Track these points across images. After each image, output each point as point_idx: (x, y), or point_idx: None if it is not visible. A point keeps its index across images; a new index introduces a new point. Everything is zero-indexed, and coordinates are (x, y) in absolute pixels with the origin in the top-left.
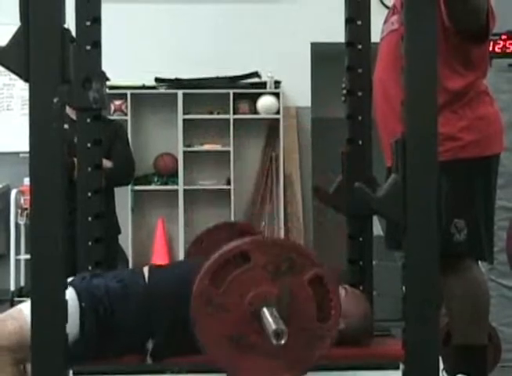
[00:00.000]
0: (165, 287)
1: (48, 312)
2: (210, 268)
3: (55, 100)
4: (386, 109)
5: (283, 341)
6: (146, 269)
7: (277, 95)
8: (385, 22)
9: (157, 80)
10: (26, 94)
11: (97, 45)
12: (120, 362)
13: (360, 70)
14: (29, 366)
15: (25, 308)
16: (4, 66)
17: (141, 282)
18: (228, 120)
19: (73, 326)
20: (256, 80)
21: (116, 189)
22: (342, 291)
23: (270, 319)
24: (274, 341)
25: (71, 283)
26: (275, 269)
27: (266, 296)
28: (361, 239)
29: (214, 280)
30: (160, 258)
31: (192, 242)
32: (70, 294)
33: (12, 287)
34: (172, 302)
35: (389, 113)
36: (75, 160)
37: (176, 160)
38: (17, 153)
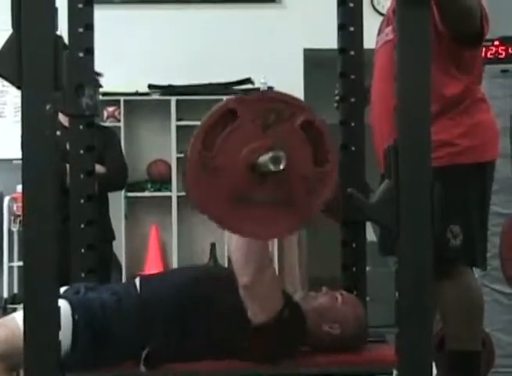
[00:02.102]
0: (157, 297)
1: (41, 320)
2: (199, 132)
3: (47, 107)
4: (384, 119)
5: (281, 166)
6: (137, 281)
7: None
8: (379, 33)
9: (150, 86)
10: (19, 101)
11: (90, 51)
12: (114, 370)
13: (353, 77)
14: (22, 374)
15: (18, 316)
16: None
17: (133, 293)
18: None
19: (65, 338)
20: (249, 86)
21: (109, 196)
22: (337, 297)
23: (267, 157)
24: (272, 167)
25: (65, 297)
26: (265, 120)
27: (260, 148)
28: (354, 245)
29: (206, 143)
30: (153, 264)
31: None
32: (64, 307)
33: (5, 295)
34: (165, 311)
35: (387, 122)
36: (68, 166)
37: (170, 167)
38: (10, 160)
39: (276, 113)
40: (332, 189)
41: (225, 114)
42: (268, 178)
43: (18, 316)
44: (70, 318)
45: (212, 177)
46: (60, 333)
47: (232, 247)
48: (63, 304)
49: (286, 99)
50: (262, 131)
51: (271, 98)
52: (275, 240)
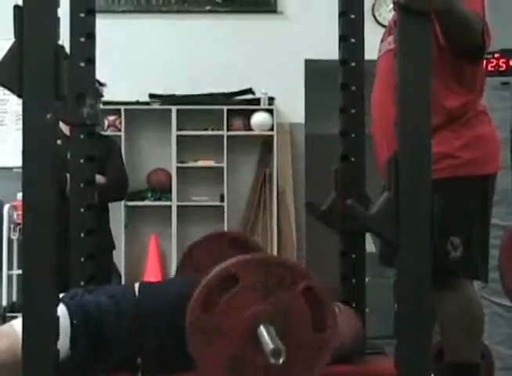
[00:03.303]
0: (155, 304)
1: (40, 329)
2: (199, 296)
3: (48, 116)
4: (384, 129)
5: (281, 360)
6: (136, 286)
7: (271, 111)
8: (382, 41)
9: (151, 96)
10: (20, 109)
11: (91, 61)
12: None
13: (353, 88)
14: None
15: (17, 324)
16: None
17: (131, 298)
18: (221, 136)
19: (63, 343)
20: (250, 96)
21: (109, 205)
22: (335, 309)
23: (267, 339)
24: (272, 361)
25: (62, 300)
26: (265, 285)
27: (260, 315)
28: (353, 256)
29: (205, 307)
30: (152, 274)
31: (183, 255)
32: (61, 310)
33: (4, 303)
34: (162, 319)
35: (387, 133)
36: (68, 175)
37: (170, 176)
38: (10, 168)
39: (277, 279)
40: (329, 357)
41: (225, 278)
42: None
43: (17, 325)
44: (69, 323)
45: (212, 341)
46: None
47: None
48: (60, 309)
49: (287, 264)
50: (262, 296)
51: (272, 263)
52: (275, 251)
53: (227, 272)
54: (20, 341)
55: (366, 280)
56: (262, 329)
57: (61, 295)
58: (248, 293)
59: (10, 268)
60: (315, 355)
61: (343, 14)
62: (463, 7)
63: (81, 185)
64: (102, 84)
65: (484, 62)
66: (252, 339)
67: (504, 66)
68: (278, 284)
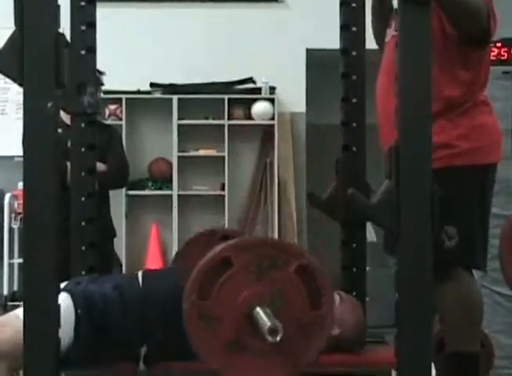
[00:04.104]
0: (159, 293)
1: (41, 318)
2: (193, 282)
3: (49, 105)
4: (386, 117)
5: (278, 338)
6: (139, 274)
7: (272, 101)
8: (389, 27)
9: (152, 85)
10: (21, 98)
11: (92, 49)
12: (113, 367)
13: (355, 77)
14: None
15: (20, 314)
16: None
17: (135, 287)
18: (222, 125)
19: (68, 332)
20: (251, 86)
21: (110, 194)
22: (336, 297)
23: (264, 318)
24: (270, 339)
25: (66, 289)
26: (259, 267)
27: (255, 297)
28: (354, 245)
29: (201, 293)
30: (153, 263)
31: (176, 254)
32: (65, 299)
33: (6, 292)
34: (166, 308)
35: (389, 121)
36: (69, 164)
37: (170, 166)
38: (12, 157)
39: (271, 260)
40: (329, 331)
41: (219, 262)
42: None
43: (21, 314)
44: (73, 311)
45: (209, 326)
46: (62, 326)
47: None
48: (64, 297)
49: (279, 245)
50: (256, 278)
51: (264, 244)
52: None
53: (220, 257)
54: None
55: (367, 269)
56: (258, 310)
57: (63, 284)
58: (242, 276)
59: (11, 257)
60: (313, 332)
61: (344, 3)
62: None
63: (82, 173)
64: (101, 73)
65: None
66: (249, 321)
67: (506, 55)
68: (271, 265)
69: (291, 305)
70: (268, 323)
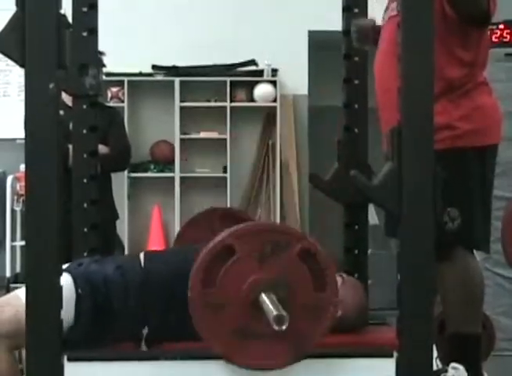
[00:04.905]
0: (161, 274)
1: (43, 299)
2: (198, 271)
3: (50, 86)
4: (385, 97)
5: (284, 327)
6: (141, 255)
7: (274, 83)
8: (386, 9)
9: (154, 67)
10: (23, 80)
11: (94, 31)
12: (114, 348)
13: (357, 59)
14: (24, 352)
15: (21, 294)
16: (0, 51)
17: (137, 268)
18: (225, 107)
19: (68, 312)
20: (253, 68)
21: (112, 177)
22: (338, 279)
23: (270, 306)
24: (276, 327)
25: (68, 270)
26: (262, 253)
27: (260, 283)
28: (356, 227)
29: (206, 280)
30: (155, 245)
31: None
32: (67, 280)
33: (8, 274)
34: (167, 289)
35: (387, 102)
36: (70, 146)
37: (173, 148)
38: (14, 140)
39: (273, 245)
40: (335, 313)
41: (222, 250)
42: None
43: (22, 294)
44: (74, 292)
45: (215, 313)
46: (63, 307)
47: None
48: (65, 278)
49: (281, 230)
50: (260, 264)
51: (266, 230)
52: (277, 219)
53: (223, 244)
54: (25, 309)
55: (369, 251)
56: (264, 297)
57: (66, 265)
58: (246, 262)
59: (13, 239)
60: (318, 315)
61: None
62: None
63: (84, 155)
64: (101, 53)
65: (488, 33)
66: (255, 308)
67: (508, 37)
68: (274, 250)
69: (295, 288)
70: (275, 312)
